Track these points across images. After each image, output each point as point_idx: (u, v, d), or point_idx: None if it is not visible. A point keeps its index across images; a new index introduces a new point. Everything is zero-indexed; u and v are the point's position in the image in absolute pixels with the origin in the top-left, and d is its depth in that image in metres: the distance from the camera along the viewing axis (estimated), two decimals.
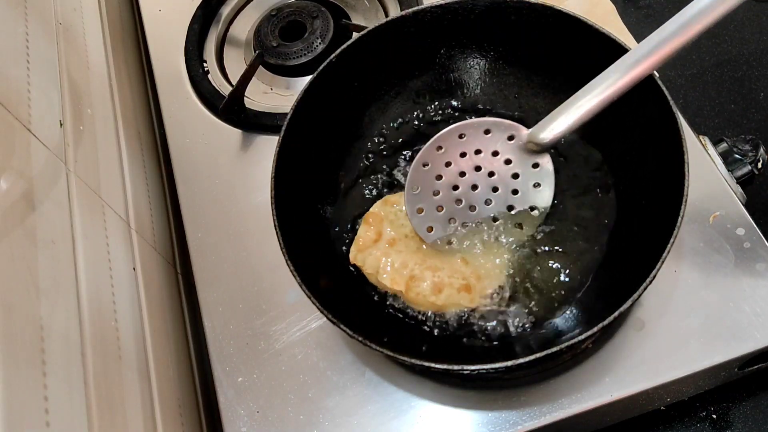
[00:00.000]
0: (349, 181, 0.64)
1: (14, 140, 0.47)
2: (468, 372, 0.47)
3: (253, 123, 0.72)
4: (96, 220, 0.55)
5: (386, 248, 0.57)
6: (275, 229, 0.53)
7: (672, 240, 0.47)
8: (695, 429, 0.61)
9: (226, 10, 0.84)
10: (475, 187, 0.56)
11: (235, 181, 0.69)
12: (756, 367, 0.57)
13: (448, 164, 0.56)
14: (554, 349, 0.46)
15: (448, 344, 0.56)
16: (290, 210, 0.55)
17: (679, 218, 0.48)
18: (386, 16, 0.80)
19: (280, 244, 0.52)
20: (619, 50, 0.55)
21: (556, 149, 0.63)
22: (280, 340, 0.59)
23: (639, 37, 0.84)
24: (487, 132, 0.56)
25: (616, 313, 0.46)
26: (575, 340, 0.46)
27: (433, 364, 0.47)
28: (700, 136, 0.64)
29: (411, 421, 0.54)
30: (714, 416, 0.61)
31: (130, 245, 0.61)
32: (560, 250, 0.58)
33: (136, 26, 0.92)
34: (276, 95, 0.76)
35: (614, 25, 0.81)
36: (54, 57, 0.60)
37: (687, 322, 0.55)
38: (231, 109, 0.72)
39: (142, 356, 0.54)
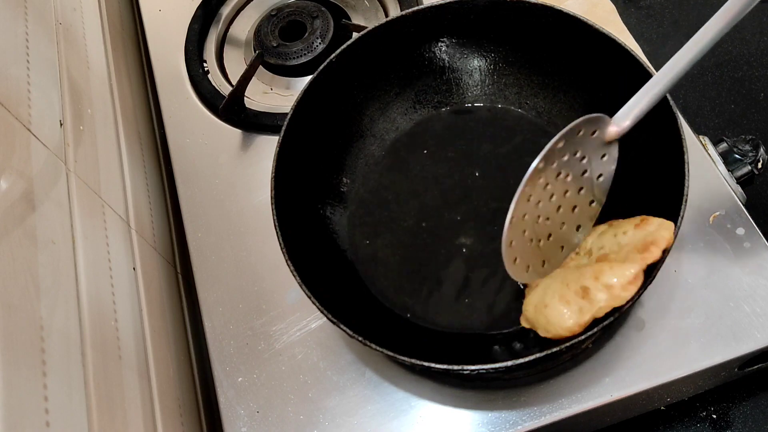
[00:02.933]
0: (349, 181, 0.64)
1: (14, 140, 0.47)
2: (468, 372, 0.47)
3: (253, 123, 0.72)
4: (96, 220, 0.55)
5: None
6: (275, 229, 0.53)
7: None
8: (695, 429, 0.61)
9: (226, 10, 0.84)
10: (551, 196, 0.50)
11: (235, 181, 0.69)
12: (756, 367, 0.57)
13: (539, 179, 0.49)
14: (554, 349, 0.46)
15: (448, 344, 0.56)
16: (290, 210, 0.55)
17: (679, 218, 0.48)
18: (386, 16, 0.80)
19: (280, 244, 0.52)
20: (620, 50, 0.55)
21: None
22: (280, 340, 0.59)
23: (639, 37, 0.84)
24: (578, 132, 0.49)
25: (616, 313, 0.46)
26: (575, 340, 0.46)
27: (433, 364, 0.47)
28: (700, 136, 0.64)
29: (411, 421, 0.54)
30: (714, 416, 0.61)
31: (130, 245, 0.61)
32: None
33: (136, 26, 0.92)
34: (276, 95, 0.76)
35: (614, 25, 0.81)
36: (54, 57, 0.60)
37: (687, 322, 0.55)
38: (231, 109, 0.72)
39: (142, 356, 0.54)
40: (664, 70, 0.50)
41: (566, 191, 0.50)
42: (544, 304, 0.49)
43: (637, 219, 0.51)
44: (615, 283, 0.46)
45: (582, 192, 0.51)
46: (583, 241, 0.53)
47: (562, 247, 0.52)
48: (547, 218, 0.50)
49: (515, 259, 0.48)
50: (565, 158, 0.49)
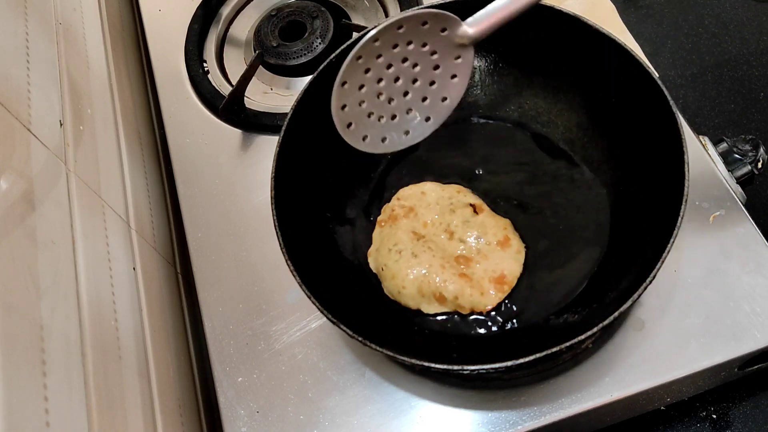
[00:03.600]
0: (349, 181, 0.64)
1: (14, 140, 0.47)
2: (468, 372, 0.47)
3: (253, 123, 0.72)
4: (96, 220, 0.55)
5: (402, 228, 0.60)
6: (275, 229, 0.53)
7: (672, 240, 0.47)
8: (695, 429, 0.61)
9: (226, 10, 0.84)
10: (397, 79, 0.54)
11: (235, 181, 0.69)
12: (756, 367, 0.57)
13: (378, 56, 0.53)
14: (554, 349, 0.46)
15: (448, 344, 0.56)
16: (290, 210, 0.55)
17: (679, 218, 0.48)
18: (386, 16, 0.80)
19: (280, 244, 0.52)
20: (620, 50, 0.55)
21: (558, 148, 0.63)
22: (280, 340, 0.59)
23: (639, 37, 0.84)
24: (424, 24, 0.53)
25: (616, 313, 0.46)
26: (575, 340, 0.46)
27: (433, 364, 0.47)
28: (700, 136, 0.64)
29: (411, 421, 0.54)
30: (714, 416, 0.61)
31: (130, 245, 0.61)
32: (560, 250, 0.58)
33: (136, 26, 0.92)
34: (276, 95, 0.76)
35: (614, 25, 0.81)
36: (54, 57, 0.60)
37: (687, 322, 0.55)
38: (231, 109, 0.72)
39: (142, 356, 0.54)
40: None
41: (415, 80, 0.54)
42: (395, 272, 0.57)
43: (500, 233, 0.58)
44: (466, 306, 0.56)
45: (434, 86, 0.54)
46: (450, 210, 0.60)
47: (407, 132, 0.55)
48: (391, 99, 0.54)
49: (349, 124, 0.53)
50: (411, 46, 0.53)
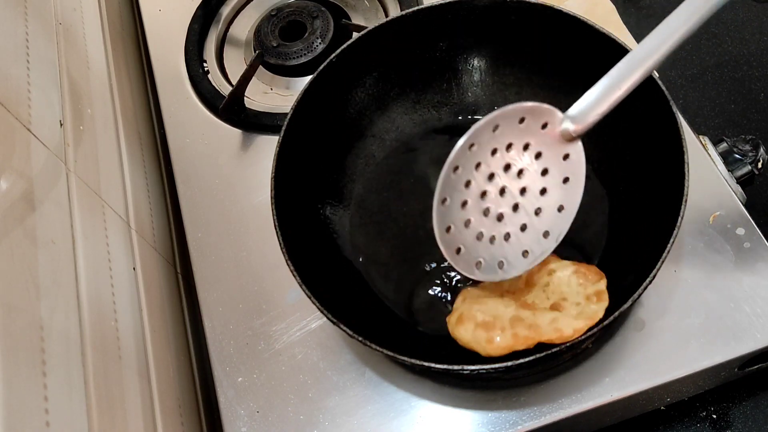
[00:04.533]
0: (349, 181, 0.64)
1: (14, 140, 0.47)
2: (468, 372, 0.47)
3: (253, 123, 0.72)
4: (96, 220, 0.55)
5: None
6: (275, 229, 0.53)
7: (672, 240, 0.47)
8: (695, 429, 0.61)
9: (226, 10, 0.84)
10: (503, 191, 0.48)
11: (235, 181, 0.69)
12: (756, 367, 0.57)
13: (478, 166, 0.47)
14: (554, 349, 0.46)
15: (448, 344, 0.56)
16: (290, 210, 0.55)
17: (679, 218, 0.48)
18: (386, 16, 0.80)
19: (280, 244, 0.52)
20: (620, 50, 0.55)
21: None
22: (280, 340, 0.59)
23: (639, 37, 0.84)
24: (521, 121, 0.47)
25: (616, 313, 0.46)
26: (575, 340, 0.46)
27: (433, 364, 0.47)
28: (700, 136, 0.64)
29: (411, 421, 0.54)
30: (714, 416, 0.61)
31: (130, 245, 0.61)
32: (559, 250, 0.58)
33: (136, 26, 0.92)
34: (276, 95, 0.76)
35: (614, 25, 0.81)
36: (54, 57, 0.60)
37: (687, 322, 0.55)
38: (231, 109, 0.72)
39: (142, 356, 0.54)
40: (636, 56, 0.46)
41: (523, 189, 0.48)
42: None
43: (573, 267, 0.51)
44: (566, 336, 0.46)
45: (546, 196, 0.48)
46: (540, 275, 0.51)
47: (525, 252, 0.48)
48: (501, 216, 0.48)
49: (459, 249, 0.46)
50: (512, 151, 0.47)
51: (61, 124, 0.56)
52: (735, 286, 0.55)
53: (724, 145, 0.64)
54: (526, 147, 0.48)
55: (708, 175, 0.61)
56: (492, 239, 0.47)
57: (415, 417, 0.54)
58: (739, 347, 0.53)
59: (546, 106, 0.47)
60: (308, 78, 0.60)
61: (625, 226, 0.57)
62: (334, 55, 0.60)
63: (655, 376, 0.53)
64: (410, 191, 0.64)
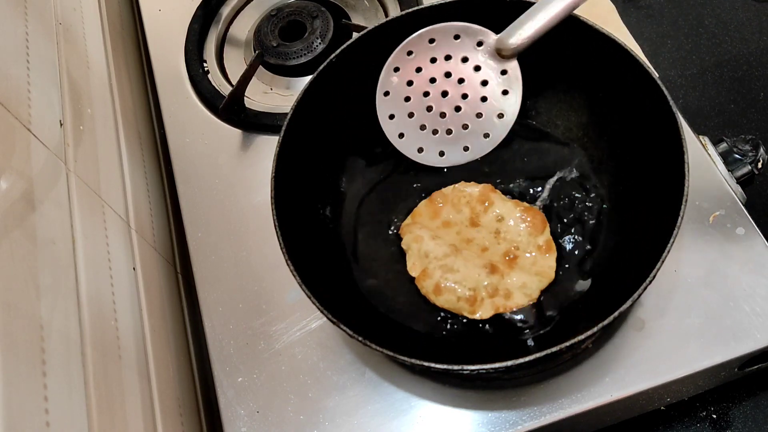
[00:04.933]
0: (349, 181, 0.64)
1: (14, 140, 0.47)
2: (468, 372, 0.47)
3: (253, 123, 0.72)
4: (96, 220, 0.55)
5: (432, 229, 0.59)
6: (275, 229, 0.53)
7: (672, 240, 0.47)
8: (695, 429, 0.61)
9: (226, 10, 0.84)
10: (445, 93, 0.54)
11: (235, 181, 0.69)
12: (756, 367, 0.57)
13: (418, 70, 0.54)
14: (554, 349, 0.46)
15: (448, 344, 0.56)
16: (290, 210, 0.55)
17: (679, 218, 0.48)
18: (386, 16, 0.80)
19: (280, 244, 0.52)
20: (619, 50, 0.55)
21: (558, 141, 0.63)
22: (280, 340, 0.59)
23: (639, 37, 0.84)
24: (456, 37, 0.54)
25: (616, 313, 0.46)
26: (575, 340, 0.46)
27: (433, 364, 0.47)
28: (700, 136, 0.64)
29: (411, 421, 0.54)
30: (714, 416, 0.61)
31: (130, 245, 0.61)
32: (559, 250, 0.58)
33: (136, 26, 0.92)
34: (276, 95, 0.76)
35: (614, 25, 0.81)
36: (54, 57, 0.60)
37: (687, 322, 0.55)
38: (231, 109, 0.72)
39: (142, 356, 0.54)
40: None
41: (465, 95, 0.54)
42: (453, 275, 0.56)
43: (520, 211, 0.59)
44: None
45: (487, 103, 0.53)
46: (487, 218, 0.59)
47: (466, 147, 0.53)
48: (443, 113, 0.54)
49: (401, 134, 0.54)
50: (450, 62, 0.54)
51: (61, 124, 0.56)
52: (735, 285, 0.55)
53: (724, 145, 0.64)
54: (464, 60, 0.54)
55: (708, 175, 0.61)
56: (435, 132, 0.54)
57: (415, 417, 0.54)
58: (739, 347, 0.53)
59: (478, 27, 0.54)
60: (308, 78, 0.60)
61: (625, 226, 0.57)
62: (334, 55, 0.60)
63: (655, 376, 0.53)
64: (410, 191, 0.64)
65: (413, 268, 0.58)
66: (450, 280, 0.56)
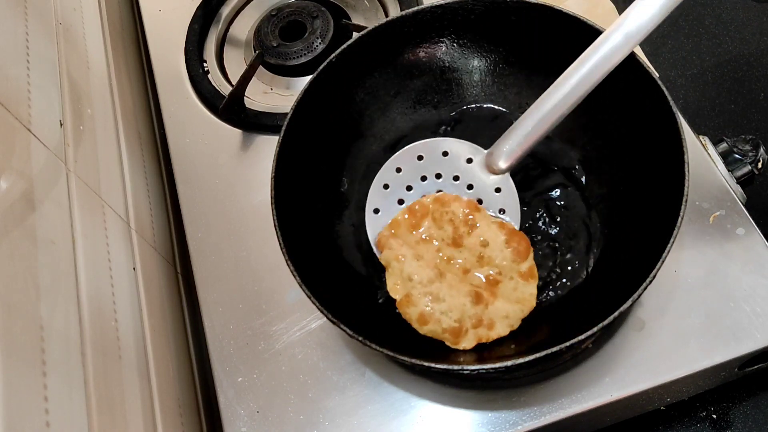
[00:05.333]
0: (349, 181, 0.64)
1: (14, 140, 0.47)
2: (468, 372, 0.47)
3: (253, 123, 0.72)
4: (96, 220, 0.55)
5: (412, 245, 0.56)
6: (275, 229, 0.53)
7: (672, 240, 0.47)
8: (695, 429, 0.61)
9: (226, 10, 0.84)
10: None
11: (235, 181, 0.69)
12: (756, 367, 0.57)
13: (409, 188, 0.56)
14: (554, 349, 0.46)
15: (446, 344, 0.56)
16: (290, 210, 0.55)
17: (679, 218, 0.48)
18: (386, 16, 0.80)
19: (280, 244, 0.52)
20: None
21: (557, 141, 0.63)
22: (280, 340, 0.59)
23: None
24: (445, 154, 0.56)
25: (616, 313, 0.46)
26: (575, 340, 0.46)
27: (433, 364, 0.47)
28: (700, 136, 0.64)
29: (411, 421, 0.54)
30: (714, 416, 0.61)
31: (130, 245, 0.61)
32: (560, 249, 0.58)
33: (136, 26, 0.92)
34: (276, 95, 0.76)
35: None
36: (54, 57, 0.60)
37: (687, 322, 0.55)
38: (231, 109, 0.72)
39: (142, 356, 0.54)
40: (539, 102, 0.54)
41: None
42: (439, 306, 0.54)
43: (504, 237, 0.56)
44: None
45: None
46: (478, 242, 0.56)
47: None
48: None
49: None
50: (441, 180, 0.56)
51: (61, 124, 0.56)
52: (735, 285, 0.55)
53: (724, 145, 0.64)
54: (455, 179, 0.56)
55: (708, 175, 0.61)
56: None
57: (415, 417, 0.54)
58: (739, 347, 0.53)
59: (467, 143, 0.55)
60: (308, 78, 0.60)
61: (625, 226, 0.57)
62: (334, 55, 0.60)
63: (655, 376, 0.53)
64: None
65: (394, 290, 0.55)
66: (436, 311, 0.53)
